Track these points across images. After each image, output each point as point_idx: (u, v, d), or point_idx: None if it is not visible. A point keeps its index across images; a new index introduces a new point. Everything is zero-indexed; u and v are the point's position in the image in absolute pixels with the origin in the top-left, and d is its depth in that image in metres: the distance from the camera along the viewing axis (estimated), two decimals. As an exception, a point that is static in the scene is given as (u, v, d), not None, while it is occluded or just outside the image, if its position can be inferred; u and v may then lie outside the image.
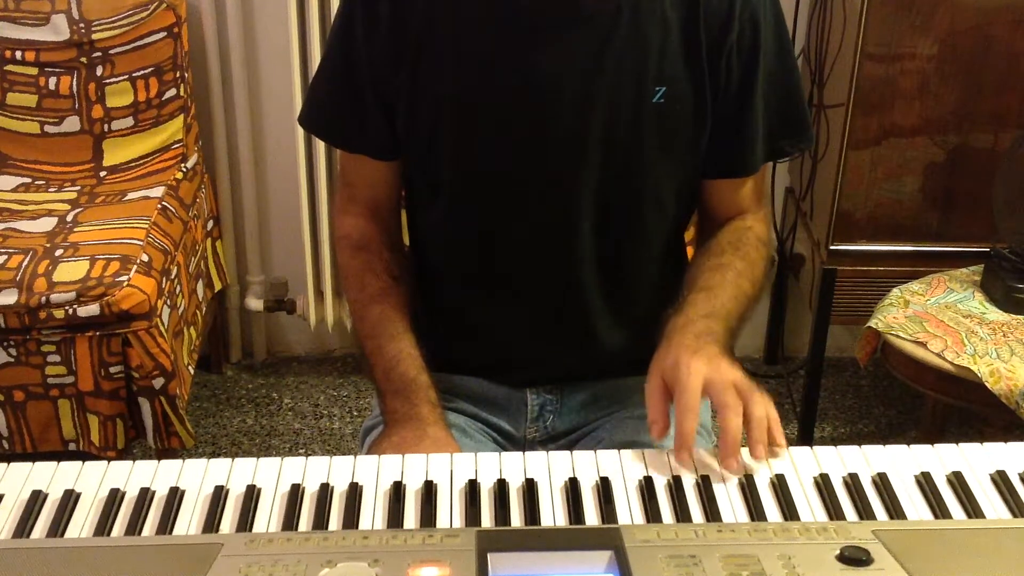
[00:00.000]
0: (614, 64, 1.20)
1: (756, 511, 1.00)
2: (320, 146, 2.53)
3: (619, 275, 1.32)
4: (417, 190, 1.35)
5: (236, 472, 1.05)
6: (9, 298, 2.03)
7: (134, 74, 2.44)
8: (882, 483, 1.03)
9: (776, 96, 1.28)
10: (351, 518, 0.99)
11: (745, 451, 1.07)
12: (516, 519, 0.99)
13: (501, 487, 1.02)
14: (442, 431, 1.21)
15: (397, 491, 1.02)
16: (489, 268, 1.32)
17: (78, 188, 2.44)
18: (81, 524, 0.99)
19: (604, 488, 1.02)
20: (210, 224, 2.63)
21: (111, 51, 2.43)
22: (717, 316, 1.21)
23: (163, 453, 2.17)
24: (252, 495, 1.01)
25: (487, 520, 0.99)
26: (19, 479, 1.05)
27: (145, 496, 1.02)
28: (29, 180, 2.47)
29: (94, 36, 2.42)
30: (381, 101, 1.26)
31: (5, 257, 2.11)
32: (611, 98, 1.21)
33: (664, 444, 1.11)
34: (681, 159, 1.27)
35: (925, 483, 1.03)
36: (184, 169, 2.49)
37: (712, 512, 0.99)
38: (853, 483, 1.03)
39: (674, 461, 1.06)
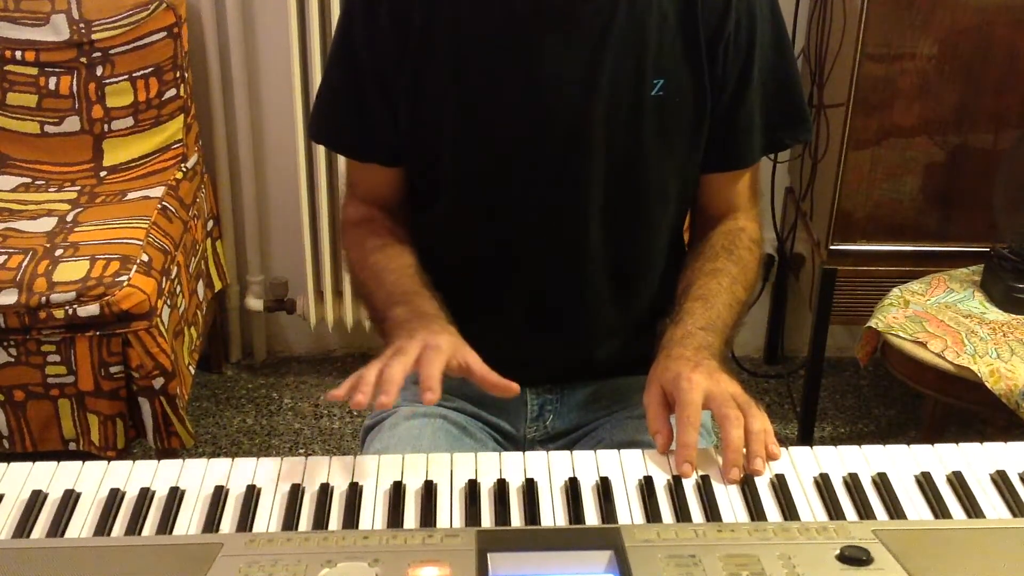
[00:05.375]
0: (613, 57, 1.21)
1: (756, 511, 1.00)
2: (320, 146, 2.53)
3: (623, 271, 1.32)
4: (419, 191, 1.35)
5: (236, 472, 1.05)
6: (9, 298, 2.03)
7: (134, 74, 2.44)
8: (882, 483, 1.03)
9: (774, 87, 1.29)
10: (351, 518, 0.99)
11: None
12: (516, 519, 0.99)
13: (501, 487, 1.02)
14: (442, 324, 1.18)
15: (397, 491, 1.02)
16: (491, 267, 1.32)
17: (78, 188, 2.44)
18: (81, 524, 0.99)
19: (604, 488, 1.02)
20: (210, 224, 2.63)
21: (111, 51, 2.42)
22: (714, 328, 1.21)
23: (163, 453, 2.17)
24: (252, 495, 1.01)
25: (487, 520, 0.99)
26: (19, 479, 1.05)
27: (145, 496, 1.02)
28: (29, 180, 2.47)
29: (94, 36, 2.42)
30: (387, 105, 1.26)
31: (5, 257, 2.11)
32: (611, 91, 1.22)
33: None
34: (682, 151, 1.28)
35: (925, 483, 1.03)
36: (184, 169, 2.49)
37: (712, 512, 0.99)
38: (853, 483, 1.03)
39: (674, 460, 1.07)
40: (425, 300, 1.23)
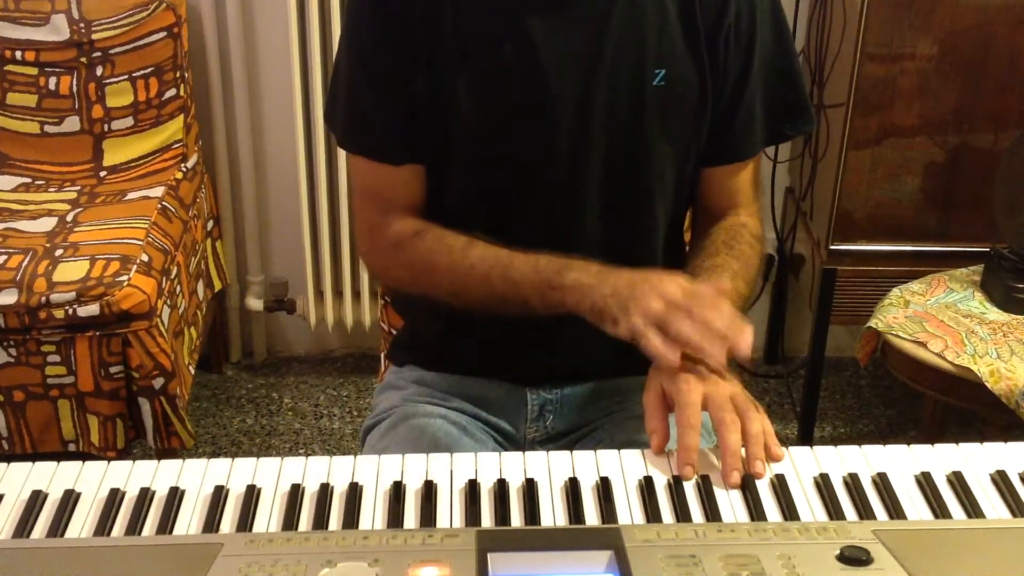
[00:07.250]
0: (613, 49, 1.21)
1: (756, 511, 1.00)
2: (320, 146, 2.53)
3: (623, 268, 1.32)
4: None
5: (236, 472, 1.05)
6: (9, 298, 2.03)
7: (134, 74, 2.44)
8: (882, 483, 1.03)
9: (774, 78, 1.29)
10: (351, 518, 0.99)
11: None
12: (516, 519, 0.99)
13: (501, 487, 1.02)
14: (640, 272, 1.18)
15: (397, 491, 1.02)
16: None
17: (78, 188, 2.44)
18: (81, 524, 0.99)
19: (604, 488, 1.02)
20: (210, 224, 2.63)
21: (111, 51, 2.42)
22: None
23: (163, 453, 2.17)
24: (252, 495, 1.01)
25: (487, 520, 0.99)
26: (19, 479, 1.05)
27: (145, 496, 1.02)
28: (29, 180, 2.47)
29: (94, 36, 2.42)
30: (406, 102, 1.24)
31: (5, 257, 2.11)
32: (611, 81, 1.22)
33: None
34: (684, 144, 1.28)
35: (925, 483, 1.03)
36: (184, 169, 2.49)
37: (712, 512, 0.99)
38: (853, 483, 1.03)
39: (674, 461, 1.07)
40: (585, 261, 1.20)
